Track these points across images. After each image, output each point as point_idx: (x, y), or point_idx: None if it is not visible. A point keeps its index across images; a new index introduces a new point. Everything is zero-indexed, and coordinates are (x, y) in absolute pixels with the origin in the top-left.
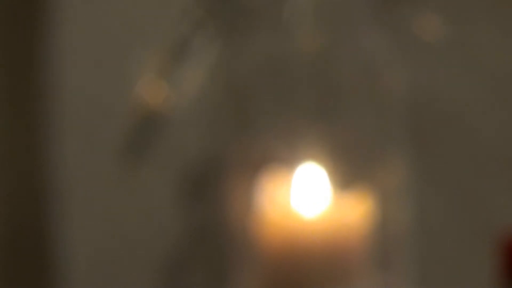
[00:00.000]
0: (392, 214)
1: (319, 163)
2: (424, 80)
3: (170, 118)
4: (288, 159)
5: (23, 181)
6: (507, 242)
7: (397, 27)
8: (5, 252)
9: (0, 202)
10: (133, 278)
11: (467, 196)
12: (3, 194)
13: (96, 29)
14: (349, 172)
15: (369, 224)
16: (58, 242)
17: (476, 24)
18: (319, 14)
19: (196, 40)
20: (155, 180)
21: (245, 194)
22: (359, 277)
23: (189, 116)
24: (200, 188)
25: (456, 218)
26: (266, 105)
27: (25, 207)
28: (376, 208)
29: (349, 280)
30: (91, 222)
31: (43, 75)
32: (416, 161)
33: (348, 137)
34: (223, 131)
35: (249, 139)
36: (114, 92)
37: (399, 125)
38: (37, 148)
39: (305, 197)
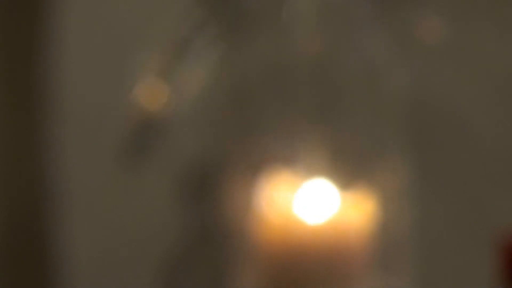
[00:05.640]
0: (394, 216)
1: (320, 166)
2: (425, 82)
3: (171, 119)
4: (288, 160)
5: (24, 182)
6: (507, 244)
7: (397, 29)
8: (5, 252)
9: (0, 202)
10: (133, 278)
11: (467, 198)
12: (4, 194)
13: (96, 30)
14: (350, 174)
15: (370, 226)
16: (58, 242)
17: (477, 26)
18: (320, 16)
19: (197, 41)
20: (155, 181)
21: (245, 195)
22: (360, 279)
23: (189, 117)
24: (200, 189)
25: (457, 220)
26: (266, 107)
27: (25, 208)
28: (377, 210)
29: (350, 282)
30: (91, 223)
31: (44, 77)
32: (417, 163)
33: (349, 139)
34: (224, 133)
35: (250, 140)
36: (115, 93)
37: (400, 127)
38: (38, 149)
39: (306, 200)
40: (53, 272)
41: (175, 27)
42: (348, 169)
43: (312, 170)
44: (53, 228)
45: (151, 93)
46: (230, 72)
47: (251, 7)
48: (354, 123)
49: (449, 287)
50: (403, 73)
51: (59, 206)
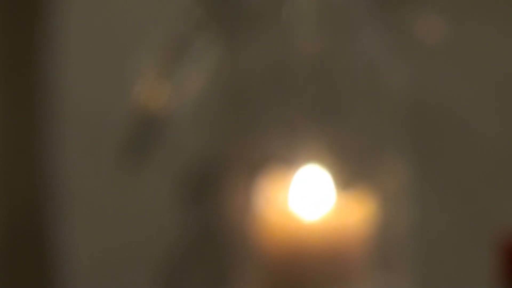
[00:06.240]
0: (393, 216)
1: (319, 165)
2: (425, 82)
3: (171, 119)
4: (288, 160)
5: (24, 182)
6: (507, 244)
7: (398, 29)
8: (5, 252)
9: (0, 202)
10: (133, 279)
11: (467, 198)
12: (4, 194)
13: (96, 30)
14: (350, 174)
15: (370, 226)
16: (58, 242)
17: (478, 26)
18: (320, 16)
19: (196, 41)
20: (155, 181)
21: (245, 195)
22: (360, 279)
23: (189, 117)
24: (200, 189)
25: (457, 220)
26: (266, 107)
27: (25, 208)
28: (377, 210)
29: (350, 282)
30: (91, 223)
31: (43, 76)
32: (417, 163)
33: (349, 139)
34: (223, 132)
35: (250, 140)
36: (115, 92)
37: (400, 126)
38: (38, 149)
39: (306, 199)
40: (53, 272)
41: (175, 27)
42: (348, 169)
43: (312, 170)
44: (53, 228)
45: (151, 93)
46: (230, 71)
47: (251, 7)
48: (354, 122)
49: (449, 287)
50: (403, 73)
51: (59, 206)
